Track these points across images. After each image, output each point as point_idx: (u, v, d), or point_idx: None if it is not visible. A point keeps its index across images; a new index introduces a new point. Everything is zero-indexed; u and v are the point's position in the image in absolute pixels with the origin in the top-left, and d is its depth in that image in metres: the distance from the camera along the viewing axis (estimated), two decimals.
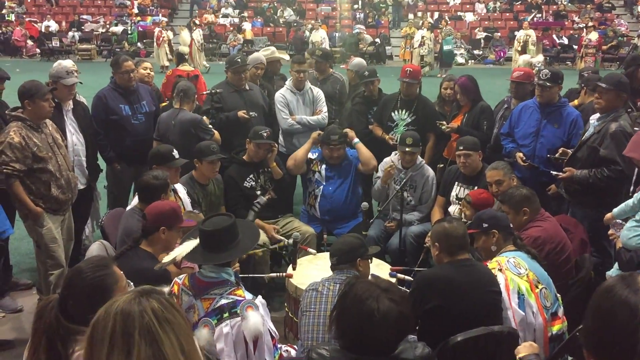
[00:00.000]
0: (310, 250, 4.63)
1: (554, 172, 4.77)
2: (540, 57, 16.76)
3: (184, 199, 4.52)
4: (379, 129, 5.93)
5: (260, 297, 2.87)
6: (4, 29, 25.10)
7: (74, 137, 5.06)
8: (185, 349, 1.69)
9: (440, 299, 3.12)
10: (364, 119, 6.13)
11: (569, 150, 4.82)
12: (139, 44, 24.41)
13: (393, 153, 5.44)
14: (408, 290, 3.33)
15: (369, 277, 3.26)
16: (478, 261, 3.55)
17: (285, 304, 4.11)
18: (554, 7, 26.64)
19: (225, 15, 26.86)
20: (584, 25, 23.25)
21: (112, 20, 26.17)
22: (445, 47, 20.34)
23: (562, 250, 3.98)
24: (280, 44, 22.04)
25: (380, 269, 4.08)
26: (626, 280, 1.62)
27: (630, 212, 3.99)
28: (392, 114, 5.85)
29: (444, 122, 5.69)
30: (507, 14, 26.93)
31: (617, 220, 4.18)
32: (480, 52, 24.65)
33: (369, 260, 3.44)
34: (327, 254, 3.76)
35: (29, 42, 24.38)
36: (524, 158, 5.02)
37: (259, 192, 5.10)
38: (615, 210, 4.13)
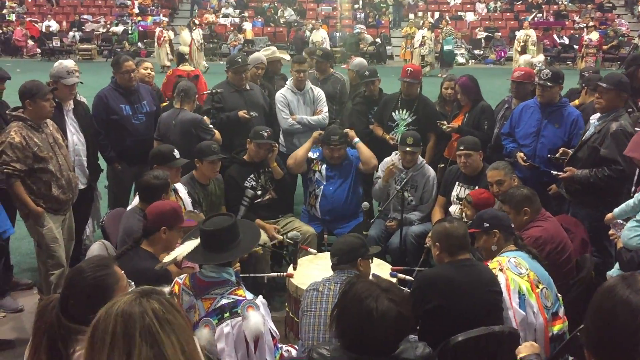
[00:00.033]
0: (311, 250, 4.63)
1: (555, 172, 4.77)
2: (541, 57, 16.78)
3: (185, 198, 4.52)
4: (379, 128, 5.93)
5: (261, 297, 2.87)
6: (4, 29, 25.11)
7: (75, 137, 5.07)
8: (186, 350, 1.69)
9: (441, 299, 3.12)
10: (364, 119, 6.13)
11: (569, 150, 4.82)
12: (139, 44, 24.41)
13: (394, 153, 5.44)
14: (409, 290, 3.33)
15: (370, 277, 3.26)
16: (479, 261, 3.55)
17: (286, 304, 4.11)
18: (555, 6, 26.62)
19: (226, 15, 26.86)
20: (585, 25, 23.22)
21: (112, 20, 26.17)
22: (446, 47, 20.33)
23: (563, 250, 3.98)
24: (281, 43, 22.03)
25: (380, 268, 4.08)
26: (627, 281, 1.62)
27: (631, 212, 3.99)
28: (393, 113, 5.85)
29: (445, 122, 5.69)
30: (508, 14, 26.92)
31: (618, 220, 4.18)
32: (481, 52, 24.64)
33: (370, 260, 3.45)
34: (327, 254, 3.76)
35: (30, 42, 24.38)
36: (525, 158, 5.01)
37: (259, 192, 5.11)
38: (616, 210, 4.13)
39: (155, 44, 20.76)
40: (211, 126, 5.45)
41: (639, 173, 4.39)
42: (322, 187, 5.35)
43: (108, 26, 25.53)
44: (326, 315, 3.03)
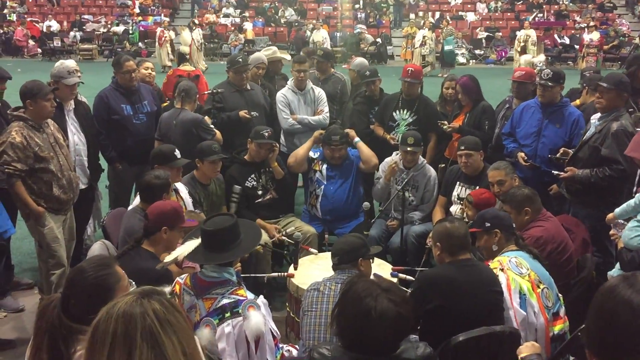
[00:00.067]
0: (312, 250, 4.63)
1: (556, 172, 4.77)
2: (541, 57, 16.77)
3: (186, 198, 4.52)
4: (380, 128, 5.93)
5: (261, 296, 2.87)
6: (5, 29, 25.13)
7: (76, 137, 5.07)
8: (186, 351, 1.69)
9: (441, 299, 3.12)
10: (365, 119, 6.13)
11: (569, 150, 4.82)
12: (140, 44, 24.41)
13: (394, 153, 5.44)
14: (409, 291, 3.33)
15: (372, 276, 3.26)
16: (479, 261, 3.55)
17: (287, 304, 4.12)
18: (556, 6, 26.61)
19: (227, 15, 26.87)
20: (586, 25, 23.23)
21: (113, 20, 26.17)
22: (446, 47, 20.33)
23: (564, 250, 3.98)
24: (282, 43, 22.03)
25: (381, 268, 4.07)
26: (629, 280, 1.61)
27: (632, 212, 3.98)
28: (394, 113, 5.85)
29: (446, 122, 5.69)
30: (509, 14, 26.91)
31: (619, 220, 4.17)
32: (482, 52, 24.63)
33: (371, 260, 3.45)
34: (328, 254, 3.76)
35: (31, 42, 24.40)
36: (526, 158, 5.01)
37: (260, 192, 5.11)
38: (617, 210, 4.13)
39: (156, 44, 20.77)
40: (212, 126, 5.45)
41: None
42: (322, 186, 5.35)
43: (109, 26, 25.53)
44: (327, 315, 3.03)
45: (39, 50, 24.20)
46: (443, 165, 5.69)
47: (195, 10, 27.29)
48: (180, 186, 4.57)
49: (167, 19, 24.42)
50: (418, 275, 3.66)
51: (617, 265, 4.08)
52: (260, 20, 26.62)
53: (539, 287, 3.37)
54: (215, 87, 5.97)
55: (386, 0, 27.71)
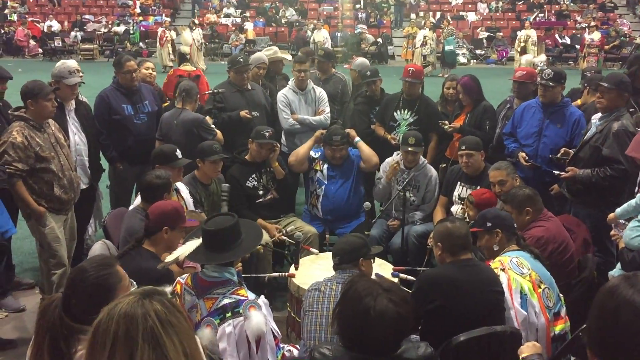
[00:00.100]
0: (313, 250, 4.63)
1: (557, 172, 4.77)
2: (542, 57, 16.74)
3: (187, 198, 4.53)
4: (381, 128, 5.93)
5: (262, 296, 2.87)
6: (6, 29, 25.14)
7: (77, 137, 5.08)
8: (188, 352, 1.68)
9: (442, 299, 3.12)
10: (366, 119, 6.13)
11: (570, 151, 4.82)
12: (141, 44, 24.41)
13: (395, 153, 5.44)
14: (410, 291, 3.33)
15: (374, 276, 3.26)
16: (481, 261, 3.55)
17: (288, 304, 4.11)
18: (557, 6, 26.60)
19: (227, 15, 26.87)
20: (587, 25, 23.21)
21: (114, 20, 26.18)
22: (447, 48, 20.34)
23: (565, 250, 3.97)
24: (282, 43, 22.04)
25: (382, 268, 4.07)
26: (630, 280, 1.61)
27: (633, 212, 3.98)
28: (395, 113, 5.85)
29: (446, 122, 5.68)
30: (510, 14, 26.90)
31: (620, 221, 4.17)
32: (483, 52, 24.63)
33: (372, 260, 3.44)
34: (329, 254, 3.76)
35: (32, 42, 24.43)
36: (527, 158, 5.01)
37: (260, 192, 5.11)
38: (618, 210, 4.13)
39: (158, 44, 20.76)
40: (213, 126, 5.45)
41: None
42: (323, 186, 5.35)
43: (110, 26, 25.54)
44: (328, 315, 3.03)
45: (40, 50, 24.22)
46: (444, 165, 5.69)
47: (196, 10, 27.29)
48: (181, 186, 4.57)
49: (169, 19, 24.42)
50: (419, 275, 3.66)
51: (618, 265, 4.07)
52: (261, 20, 26.62)
53: (540, 287, 3.37)
54: (216, 87, 5.97)
55: (387, 0, 27.71)
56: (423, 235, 4.96)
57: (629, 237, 3.88)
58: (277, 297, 4.78)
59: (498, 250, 3.58)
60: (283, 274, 4.12)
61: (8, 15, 26.58)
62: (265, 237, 4.66)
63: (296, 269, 4.11)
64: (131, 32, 24.99)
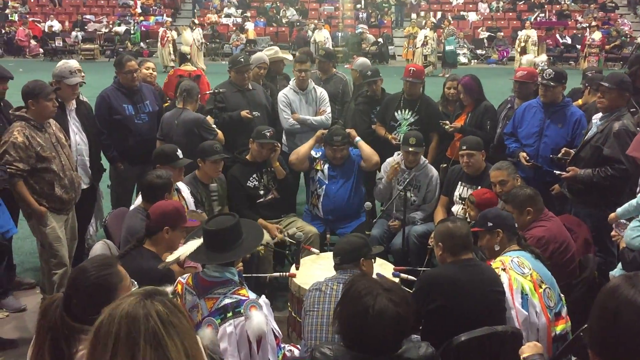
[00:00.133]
0: (314, 250, 4.63)
1: (558, 172, 4.77)
2: (543, 57, 16.75)
3: (188, 198, 4.53)
4: (382, 128, 5.93)
5: (263, 296, 2.87)
6: (7, 29, 25.16)
7: (77, 137, 5.08)
8: (189, 353, 1.68)
9: (443, 299, 3.12)
10: (367, 119, 6.13)
11: (571, 150, 4.82)
12: (141, 44, 24.42)
13: (396, 153, 5.44)
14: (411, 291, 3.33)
15: (375, 276, 3.26)
16: (481, 260, 3.55)
17: (289, 304, 4.11)
18: (557, 6, 26.60)
19: (228, 15, 26.88)
20: (587, 24, 23.18)
21: (115, 20, 26.20)
22: (447, 48, 20.34)
23: (566, 250, 3.97)
24: (283, 43, 22.05)
25: (383, 268, 4.07)
26: (631, 280, 1.61)
27: (634, 212, 3.98)
28: (395, 113, 5.85)
29: (447, 122, 5.68)
30: (510, 14, 26.90)
31: (621, 220, 4.17)
32: (483, 52, 24.62)
33: (373, 260, 3.44)
34: (330, 254, 3.76)
35: (32, 42, 24.44)
36: (528, 158, 5.01)
37: (261, 192, 5.11)
38: (619, 210, 4.13)
39: (159, 44, 20.77)
40: (214, 126, 5.45)
41: None
42: (324, 186, 5.36)
43: (110, 26, 25.55)
44: (329, 315, 3.04)
45: (41, 50, 24.23)
46: (445, 165, 5.69)
47: (196, 10, 27.30)
48: (182, 186, 4.57)
49: (170, 19, 24.43)
50: (420, 275, 3.66)
51: (619, 265, 4.07)
52: (262, 20, 26.63)
53: (541, 287, 3.37)
54: (217, 87, 5.97)
55: (388, 0, 27.71)
56: (424, 235, 4.96)
57: (630, 237, 3.88)
58: (278, 297, 4.78)
59: (499, 250, 3.58)
60: (284, 273, 4.12)
61: (9, 15, 26.61)
62: (266, 237, 4.66)
63: (297, 268, 4.11)
64: (132, 32, 25.01)
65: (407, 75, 5.80)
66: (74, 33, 24.87)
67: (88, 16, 26.77)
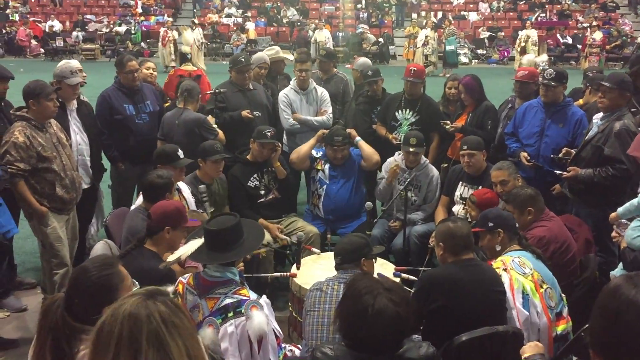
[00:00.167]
0: (314, 249, 4.63)
1: (558, 172, 4.77)
2: (544, 57, 16.74)
3: (188, 198, 4.53)
4: (382, 128, 5.93)
5: (264, 296, 2.87)
6: (8, 28, 25.17)
7: (78, 137, 5.08)
8: (191, 353, 1.68)
9: (444, 299, 3.12)
10: (367, 119, 6.13)
11: (572, 150, 4.82)
12: (142, 44, 24.43)
13: (397, 153, 5.44)
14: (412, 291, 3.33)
15: (376, 276, 3.26)
16: (482, 261, 3.55)
17: (290, 304, 4.11)
18: (558, 6, 26.60)
19: (229, 15, 26.89)
20: (588, 24, 23.18)
21: (115, 20, 26.20)
22: (448, 47, 20.34)
23: (567, 250, 3.97)
24: (284, 43, 22.06)
25: (384, 268, 4.07)
26: (633, 280, 1.61)
27: (635, 211, 3.97)
28: (396, 113, 5.85)
29: (448, 122, 5.68)
30: (511, 14, 26.90)
31: (622, 220, 4.16)
32: (484, 52, 24.62)
33: (373, 260, 3.44)
34: (331, 254, 3.76)
35: (33, 42, 24.44)
36: (529, 158, 5.01)
37: (262, 192, 5.12)
38: (619, 209, 4.12)
39: (160, 44, 20.77)
40: (215, 126, 5.45)
41: None
42: (325, 186, 5.36)
43: (111, 26, 25.56)
44: (329, 315, 3.04)
45: (42, 50, 24.24)
46: (446, 165, 5.69)
47: (196, 10, 27.30)
48: (183, 186, 4.58)
49: (171, 19, 24.44)
50: (421, 275, 3.66)
51: (620, 265, 4.07)
52: (263, 20, 26.64)
53: (542, 287, 3.37)
54: (217, 87, 5.97)
55: (388, 0, 27.71)
56: (425, 235, 4.96)
57: (631, 237, 3.88)
58: (279, 297, 4.78)
59: (500, 250, 3.58)
60: (285, 273, 4.12)
61: (10, 15, 26.61)
62: (267, 237, 4.66)
63: (298, 268, 4.11)
64: (133, 32, 25.01)
65: (408, 75, 5.80)
66: (74, 33, 24.87)
67: (89, 16, 26.78)
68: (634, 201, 3.98)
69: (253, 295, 2.80)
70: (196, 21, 23.50)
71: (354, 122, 6.04)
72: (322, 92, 6.10)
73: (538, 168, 4.98)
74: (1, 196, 4.32)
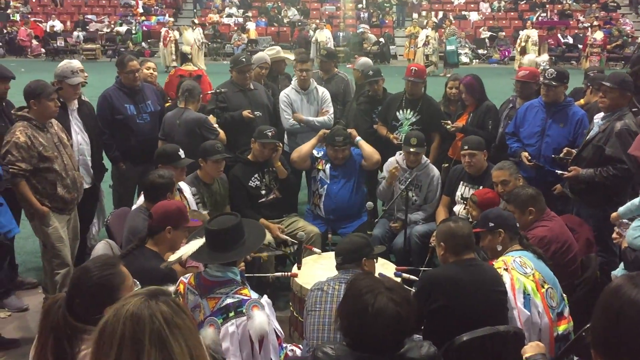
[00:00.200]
0: (315, 249, 4.63)
1: (559, 172, 4.76)
2: (545, 57, 16.72)
3: (189, 198, 4.53)
4: (383, 128, 5.93)
5: (265, 296, 2.87)
6: (9, 28, 25.19)
7: (79, 137, 5.08)
8: (193, 354, 1.68)
9: (445, 299, 3.12)
10: (368, 119, 6.13)
11: (573, 150, 4.82)
12: (143, 44, 24.45)
13: (397, 153, 5.44)
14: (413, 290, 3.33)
15: (377, 276, 3.26)
16: (484, 261, 3.55)
17: (290, 304, 4.11)
18: (559, 6, 26.60)
19: (230, 15, 26.90)
20: (589, 24, 23.18)
21: (116, 20, 26.22)
22: (449, 47, 20.32)
23: (568, 250, 3.97)
24: (285, 43, 22.07)
25: (385, 268, 4.07)
26: (634, 280, 1.61)
27: (636, 211, 3.97)
28: (397, 113, 5.85)
29: (449, 122, 5.68)
30: (512, 13, 26.90)
31: (623, 220, 4.16)
32: (485, 52, 24.61)
33: (374, 260, 3.44)
34: (332, 254, 3.76)
35: (34, 42, 24.46)
36: (529, 157, 5.01)
37: (263, 192, 5.12)
38: (620, 209, 4.12)
39: (161, 44, 20.78)
40: (216, 126, 5.45)
41: None
42: (326, 186, 5.36)
43: (112, 26, 25.58)
44: (330, 315, 3.04)
45: (43, 50, 24.26)
46: (446, 164, 5.69)
47: (196, 10, 27.31)
48: (184, 186, 4.58)
49: (172, 19, 24.45)
50: (422, 274, 3.66)
51: (621, 265, 4.06)
52: (263, 20, 26.65)
53: (543, 287, 3.36)
54: (218, 87, 5.97)
55: (389, 0, 27.70)
56: (425, 235, 4.96)
57: (632, 236, 3.87)
58: (280, 297, 4.78)
59: (501, 250, 3.57)
60: (286, 273, 4.13)
61: (11, 15, 26.63)
62: (268, 237, 4.66)
63: (299, 268, 4.12)
64: (133, 32, 25.02)
65: (409, 74, 5.80)
66: (75, 33, 24.89)
67: (90, 16, 26.80)
68: (635, 201, 3.98)
69: (254, 295, 2.80)
70: (197, 21, 23.51)
71: (355, 122, 6.04)
72: (323, 92, 6.10)
73: (539, 168, 4.98)
74: (2, 196, 4.32)
